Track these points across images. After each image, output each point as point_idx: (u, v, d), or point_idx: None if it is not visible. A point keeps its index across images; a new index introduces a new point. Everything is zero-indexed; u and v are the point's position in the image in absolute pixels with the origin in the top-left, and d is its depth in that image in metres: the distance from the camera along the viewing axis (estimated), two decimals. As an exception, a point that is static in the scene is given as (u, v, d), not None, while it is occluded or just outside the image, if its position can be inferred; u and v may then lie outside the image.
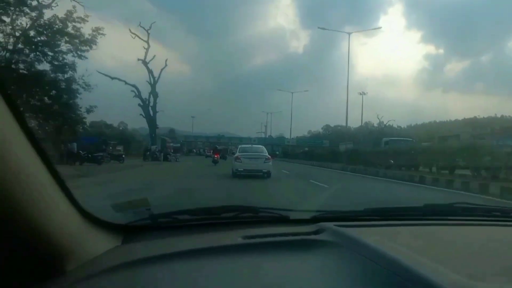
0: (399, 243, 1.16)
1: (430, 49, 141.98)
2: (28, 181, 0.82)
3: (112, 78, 43.72)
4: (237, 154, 16.97)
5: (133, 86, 45.63)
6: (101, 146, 30.56)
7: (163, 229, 1.51)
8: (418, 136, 51.82)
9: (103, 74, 41.23)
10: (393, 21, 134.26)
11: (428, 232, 1.46)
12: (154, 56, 48.36)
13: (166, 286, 1.00)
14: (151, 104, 47.95)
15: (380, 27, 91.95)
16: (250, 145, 20.11)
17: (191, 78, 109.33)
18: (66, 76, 25.48)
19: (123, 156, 32.34)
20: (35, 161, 0.86)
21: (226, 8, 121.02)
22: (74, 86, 25.74)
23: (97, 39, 26.47)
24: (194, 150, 73.09)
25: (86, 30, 25.97)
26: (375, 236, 1.19)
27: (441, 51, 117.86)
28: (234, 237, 1.28)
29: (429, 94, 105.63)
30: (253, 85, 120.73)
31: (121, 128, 67.73)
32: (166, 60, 52.12)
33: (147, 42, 46.54)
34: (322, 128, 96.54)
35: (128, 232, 1.40)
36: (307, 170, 26.25)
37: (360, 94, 58.93)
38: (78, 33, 25.39)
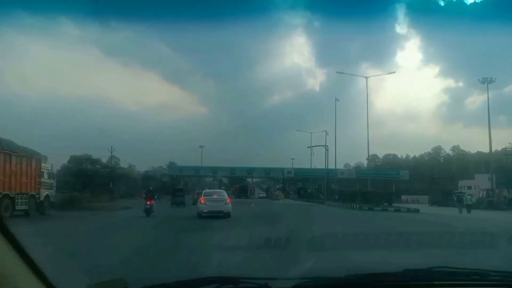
0: None
1: (449, 83, 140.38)
2: None
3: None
4: (202, 197, 19.99)
5: None
6: None
7: None
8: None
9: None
10: (410, 56, 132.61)
11: None
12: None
13: None
14: None
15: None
16: (212, 190, 25.95)
17: (208, 118, 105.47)
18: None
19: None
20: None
21: (240, 50, 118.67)
22: None
23: None
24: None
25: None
26: None
27: (461, 84, 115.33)
28: None
29: (450, 128, 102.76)
30: (273, 122, 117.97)
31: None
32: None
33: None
34: (367, 159, 77.59)
35: None
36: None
37: (481, 82, 42.47)
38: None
